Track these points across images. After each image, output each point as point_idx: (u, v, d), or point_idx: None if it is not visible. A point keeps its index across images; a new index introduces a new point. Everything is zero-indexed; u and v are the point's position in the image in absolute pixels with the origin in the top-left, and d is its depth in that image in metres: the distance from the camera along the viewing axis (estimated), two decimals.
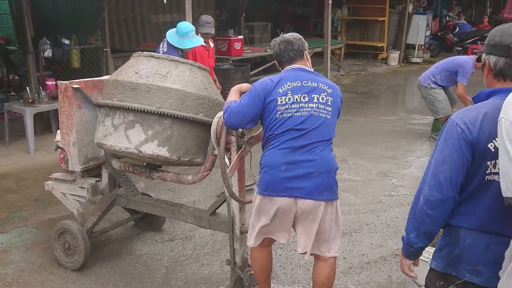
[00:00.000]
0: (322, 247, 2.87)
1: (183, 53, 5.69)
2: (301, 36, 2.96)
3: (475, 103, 2.01)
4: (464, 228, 1.95)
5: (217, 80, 6.61)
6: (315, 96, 2.77)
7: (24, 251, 4.10)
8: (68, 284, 3.61)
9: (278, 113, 2.74)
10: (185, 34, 5.50)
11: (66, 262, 3.82)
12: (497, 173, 1.82)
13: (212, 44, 6.63)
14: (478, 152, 1.86)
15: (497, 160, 1.79)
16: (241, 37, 9.81)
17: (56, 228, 3.86)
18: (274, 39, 3.00)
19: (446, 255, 2.01)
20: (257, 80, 3.01)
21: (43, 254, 4.03)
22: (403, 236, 2.08)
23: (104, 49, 8.02)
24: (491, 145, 1.84)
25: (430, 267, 2.09)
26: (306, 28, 14.43)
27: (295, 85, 2.77)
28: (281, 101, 2.74)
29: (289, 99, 2.73)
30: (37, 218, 4.73)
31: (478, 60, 5.96)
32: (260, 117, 2.85)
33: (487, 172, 1.87)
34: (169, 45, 5.58)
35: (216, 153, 3.18)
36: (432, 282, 2.08)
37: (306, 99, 2.75)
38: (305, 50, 2.94)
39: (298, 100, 2.74)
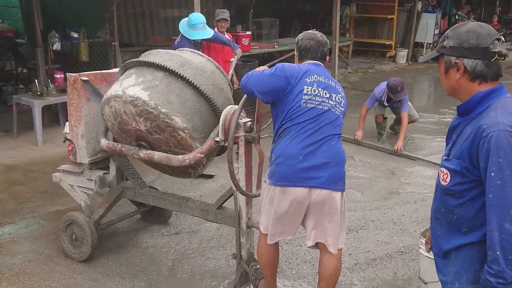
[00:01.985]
0: (330, 239, 2.88)
1: (195, 43, 5.74)
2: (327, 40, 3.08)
3: (463, 110, 1.92)
4: None
5: (234, 75, 6.59)
6: (333, 94, 2.89)
7: (31, 242, 4.13)
8: (75, 275, 3.64)
9: (302, 101, 2.78)
10: (193, 25, 5.62)
11: (73, 253, 3.84)
12: None
13: (227, 36, 6.66)
14: None
15: None
16: (249, 33, 9.80)
17: (63, 219, 3.88)
18: (306, 31, 3.06)
19: (473, 277, 1.86)
20: None
21: (50, 245, 4.06)
22: (493, 282, 1.76)
23: (113, 43, 8.04)
24: None
25: None
26: (314, 25, 14.37)
27: (320, 79, 2.87)
28: (307, 91, 2.80)
29: (314, 91, 2.81)
30: (45, 209, 4.77)
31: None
32: (276, 103, 2.85)
33: None
34: (182, 35, 5.71)
35: (217, 139, 3.12)
36: None
37: (327, 95, 2.85)
38: (328, 56, 3.09)
39: (321, 94, 2.83)
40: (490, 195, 1.76)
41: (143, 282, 3.57)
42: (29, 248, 4.04)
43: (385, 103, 6.77)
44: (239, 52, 6.85)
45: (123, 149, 3.47)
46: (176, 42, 5.76)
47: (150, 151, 3.36)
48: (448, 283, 1.98)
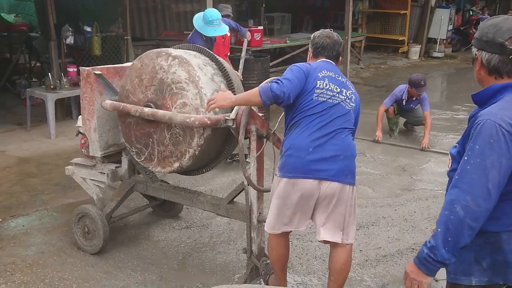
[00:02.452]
0: (339, 232, 2.88)
1: (207, 39, 5.71)
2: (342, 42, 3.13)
3: (478, 100, 1.95)
4: (505, 231, 1.85)
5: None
6: (344, 90, 2.93)
7: (44, 234, 4.18)
8: (87, 267, 3.67)
9: (315, 95, 2.82)
10: (210, 22, 5.51)
11: (85, 246, 3.88)
12: None
13: (228, 34, 6.68)
14: None
15: None
16: (260, 27, 9.79)
17: (76, 212, 3.92)
18: (323, 30, 3.12)
19: (489, 266, 1.89)
20: (276, 71, 3.05)
21: (63, 237, 4.10)
22: (425, 252, 1.85)
23: (125, 37, 8.08)
24: None
25: (465, 285, 1.94)
26: (325, 20, 14.30)
27: (330, 74, 2.92)
28: (320, 85, 2.84)
29: (326, 85, 2.86)
30: (57, 202, 4.81)
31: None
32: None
33: None
34: (195, 31, 5.64)
35: (228, 117, 3.09)
36: None
37: (338, 90, 2.89)
38: (341, 57, 3.14)
39: (332, 89, 2.87)
40: (456, 176, 1.81)
41: (154, 275, 3.60)
42: (42, 240, 4.09)
43: (404, 103, 6.74)
44: (248, 35, 6.86)
45: (127, 107, 3.44)
46: (188, 37, 5.72)
47: (154, 109, 3.31)
48: (450, 272, 2.00)
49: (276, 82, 2.79)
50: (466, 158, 1.80)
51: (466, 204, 1.76)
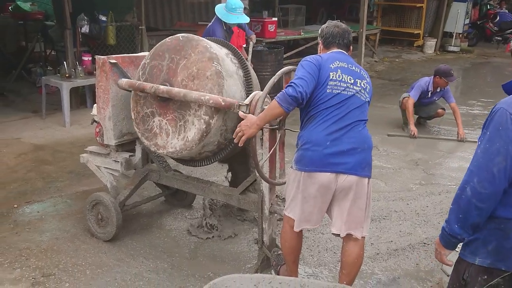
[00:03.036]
0: (355, 226, 2.87)
1: (227, 28, 5.73)
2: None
3: (508, 89, 1.98)
4: None
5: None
6: (358, 80, 2.88)
7: (58, 220, 4.23)
8: (100, 254, 3.72)
9: (328, 88, 2.79)
10: (233, 9, 5.65)
11: (99, 233, 3.93)
12: None
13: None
14: None
15: None
16: (275, 19, 9.75)
17: (90, 199, 3.96)
18: (329, 21, 3.11)
19: (494, 250, 1.96)
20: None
21: (76, 224, 4.15)
22: (443, 226, 2.03)
23: (140, 27, 8.10)
24: None
25: (469, 262, 2.03)
26: (340, 13, 14.21)
27: (343, 65, 2.87)
28: (333, 77, 2.81)
29: (339, 76, 2.82)
30: (72, 189, 4.87)
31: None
32: None
33: None
34: (215, 20, 5.71)
35: (241, 103, 3.08)
36: (473, 277, 2.02)
37: (352, 81, 2.85)
38: (351, 46, 3.09)
39: (345, 80, 2.83)
40: (472, 159, 1.95)
41: (166, 263, 3.63)
42: (56, 226, 4.14)
43: (429, 95, 6.73)
44: (253, 37, 6.91)
45: (142, 84, 3.46)
46: (208, 27, 5.78)
47: (169, 87, 3.33)
48: (462, 248, 2.10)
49: (290, 85, 2.74)
50: (479, 143, 1.93)
51: (473, 186, 1.89)
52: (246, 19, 5.83)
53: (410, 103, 6.69)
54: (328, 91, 2.79)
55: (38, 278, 3.39)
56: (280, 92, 2.77)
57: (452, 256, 2.20)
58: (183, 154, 3.42)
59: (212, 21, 5.82)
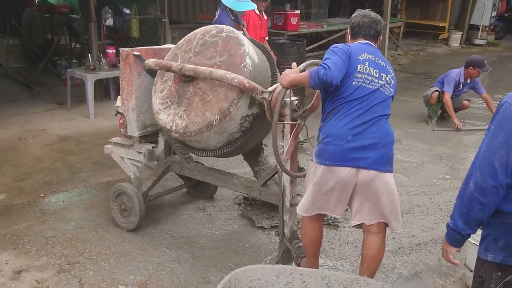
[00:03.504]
0: (376, 219, 2.86)
1: (234, 16, 5.65)
2: (382, 21, 3.03)
3: None
4: None
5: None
6: (383, 75, 2.84)
7: (83, 210, 4.32)
8: (123, 243, 3.78)
9: (354, 80, 2.75)
10: None
11: (122, 223, 3.99)
12: None
13: (265, 17, 6.67)
14: None
15: None
16: (297, 11, 9.69)
17: (113, 190, 4.03)
18: (359, 10, 3.03)
19: (504, 246, 1.94)
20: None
21: (100, 214, 4.23)
22: (448, 223, 2.04)
23: (163, 20, 8.15)
24: None
25: (483, 259, 2.03)
26: (364, 5, 14.04)
27: (370, 57, 2.82)
28: (360, 69, 2.76)
29: (366, 69, 2.78)
30: (96, 179, 4.96)
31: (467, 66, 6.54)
32: None
33: None
34: (222, 9, 5.60)
35: (265, 90, 3.09)
36: (488, 274, 2.01)
37: (377, 74, 2.80)
38: (381, 35, 3.01)
39: (372, 73, 2.79)
40: (476, 153, 1.96)
41: (188, 254, 3.68)
42: (81, 215, 4.23)
43: (461, 86, 6.72)
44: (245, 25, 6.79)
45: (169, 63, 3.48)
46: (217, 16, 5.64)
47: (195, 65, 3.35)
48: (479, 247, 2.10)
49: (323, 67, 2.63)
50: (484, 137, 1.93)
51: (476, 180, 1.89)
52: (254, 6, 5.75)
53: (448, 98, 6.64)
54: (353, 83, 2.75)
55: (63, 265, 3.47)
56: (314, 69, 2.71)
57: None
58: (184, 138, 3.41)
59: (218, 11, 5.67)
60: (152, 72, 3.76)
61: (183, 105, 3.41)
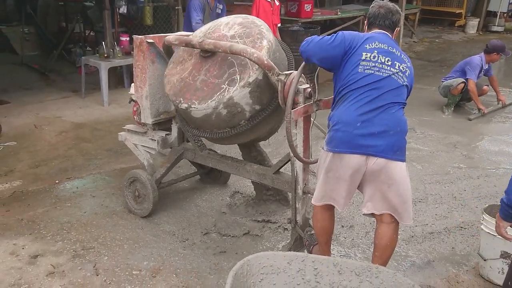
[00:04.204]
0: (387, 209, 2.84)
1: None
2: (401, 12, 3.03)
3: None
4: None
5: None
6: (397, 63, 2.81)
7: (97, 197, 4.36)
8: (137, 230, 3.83)
9: (360, 67, 2.75)
10: None
11: (136, 209, 4.04)
12: None
13: (277, 2, 6.60)
14: None
15: None
16: None
17: (127, 176, 4.07)
18: (376, 0, 3.03)
19: None
20: None
21: (115, 200, 4.28)
22: (502, 198, 2.10)
23: (176, 7, 8.14)
24: None
25: None
26: None
27: (382, 46, 2.81)
28: (366, 57, 2.76)
29: (374, 57, 2.76)
30: (110, 166, 5.01)
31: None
32: (334, 70, 2.87)
33: None
34: None
35: (280, 72, 3.11)
36: None
37: (389, 62, 2.79)
38: (398, 27, 3.01)
39: (382, 61, 2.77)
40: None
41: (201, 240, 3.71)
42: (95, 202, 4.27)
43: (482, 72, 6.78)
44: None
45: (189, 37, 3.49)
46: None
47: (215, 40, 3.35)
48: None
49: (307, 41, 2.90)
50: None
51: None
52: None
53: (473, 85, 6.65)
54: (359, 70, 2.74)
55: (78, 250, 3.53)
56: (303, 43, 2.93)
57: None
58: (202, 112, 3.35)
59: None
60: (168, 52, 3.75)
61: (199, 80, 3.40)
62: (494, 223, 3.09)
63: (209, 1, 5.65)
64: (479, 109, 6.75)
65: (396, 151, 2.76)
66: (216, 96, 3.25)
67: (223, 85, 3.25)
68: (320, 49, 2.85)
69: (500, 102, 7.01)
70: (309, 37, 2.94)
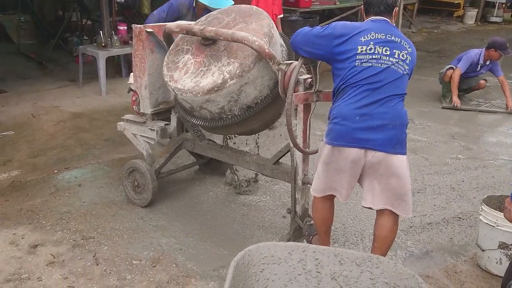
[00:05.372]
0: (386, 202, 2.85)
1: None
2: None
3: None
4: None
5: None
6: (397, 51, 2.75)
7: (96, 186, 4.36)
8: (136, 220, 3.83)
9: (357, 61, 2.72)
10: None
11: (135, 199, 4.03)
12: None
13: None
14: None
15: None
16: None
17: (126, 166, 4.06)
18: None
19: None
20: None
21: (114, 190, 4.27)
22: None
23: None
24: None
25: None
26: None
27: (379, 37, 2.75)
28: (361, 50, 2.72)
29: (370, 49, 2.72)
30: (109, 156, 5.00)
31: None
32: (329, 63, 2.86)
33: None
34: None
35: (282, 61, 3.10)
36: None
37: (388, 52, 2.73)
38: (396, 6, 2.93)
39: (380, 52, 2.72)
40: None
41: (200, 230, 3.72)
42: (94, 192, 4.27)
43: (479, 68, 6.66)
44: None
45: (191, 25, 3.46)
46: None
47: (216, 28, 3.33)
48: None
49: (297, 32, 2.94)
50: None
51: None
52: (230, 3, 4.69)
53: (457, 74, 6.58)
54: (356, 64, 2.71)
55: (78, 240, 3.53)
56: (293, 36, 2.98)
57: None
58: (187, 96, 3.32)
59: None
60: (168, 40, 3.71)
61: (189, 63, 3.40)
62: (493, 213, 3.12)
63: (196, 11, 4.90)
64: (451, 99, 6.69)
65: (395, 145, 2.74)
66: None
67: (222, 73, 3.23)
68: (307, 41, 2.89)
69: (508, 107, 6.62)
70: (299, 29, 2.95)
